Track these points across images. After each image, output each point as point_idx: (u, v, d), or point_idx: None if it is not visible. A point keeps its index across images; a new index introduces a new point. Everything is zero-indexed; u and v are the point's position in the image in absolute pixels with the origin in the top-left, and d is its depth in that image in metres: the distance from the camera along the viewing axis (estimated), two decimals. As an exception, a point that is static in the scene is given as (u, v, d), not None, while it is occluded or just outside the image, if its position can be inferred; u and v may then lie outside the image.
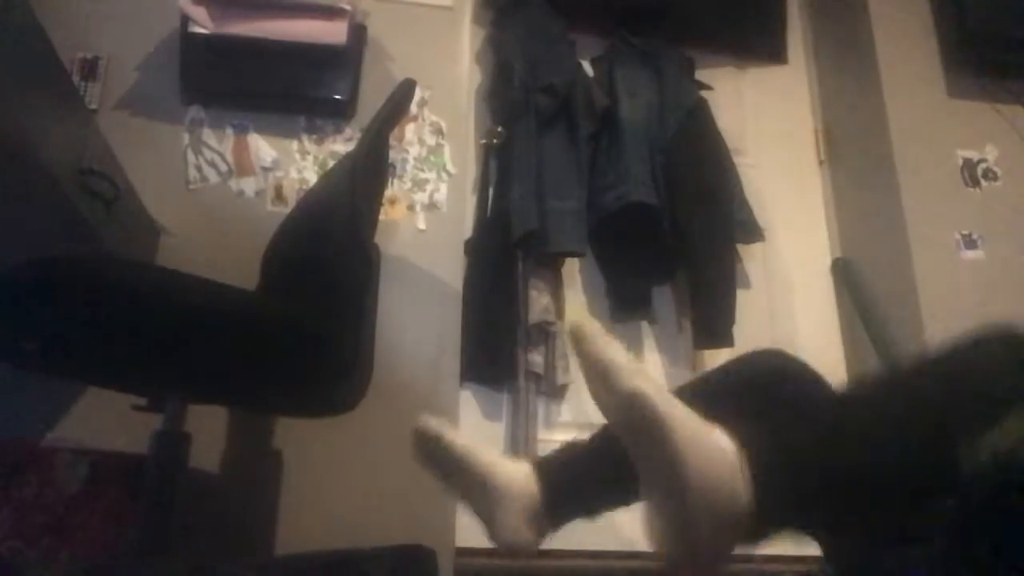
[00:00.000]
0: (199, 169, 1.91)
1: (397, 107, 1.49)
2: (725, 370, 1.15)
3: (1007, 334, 0.98)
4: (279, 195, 1.93)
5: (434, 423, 1.02)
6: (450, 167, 2.05)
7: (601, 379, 0.86)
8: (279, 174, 1.95)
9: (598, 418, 2.24)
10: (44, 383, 1.57)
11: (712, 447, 0.82)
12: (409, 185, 2.01)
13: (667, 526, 0.82)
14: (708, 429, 0.83)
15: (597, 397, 0.90)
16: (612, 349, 0.86)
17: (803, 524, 0.89)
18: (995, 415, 0.87)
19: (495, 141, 2.20)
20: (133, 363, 1.23)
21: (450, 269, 1.96)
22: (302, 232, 1.59)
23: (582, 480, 1.05)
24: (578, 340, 0.89)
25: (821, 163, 2.54)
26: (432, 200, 2.01)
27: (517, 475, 1.02)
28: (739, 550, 0.84)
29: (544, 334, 2.06)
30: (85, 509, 1.49)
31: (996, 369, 0.92)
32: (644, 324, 2.23)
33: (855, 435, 0.88)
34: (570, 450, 1.10)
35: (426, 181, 2.02)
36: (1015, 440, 0.85)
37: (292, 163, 1.96)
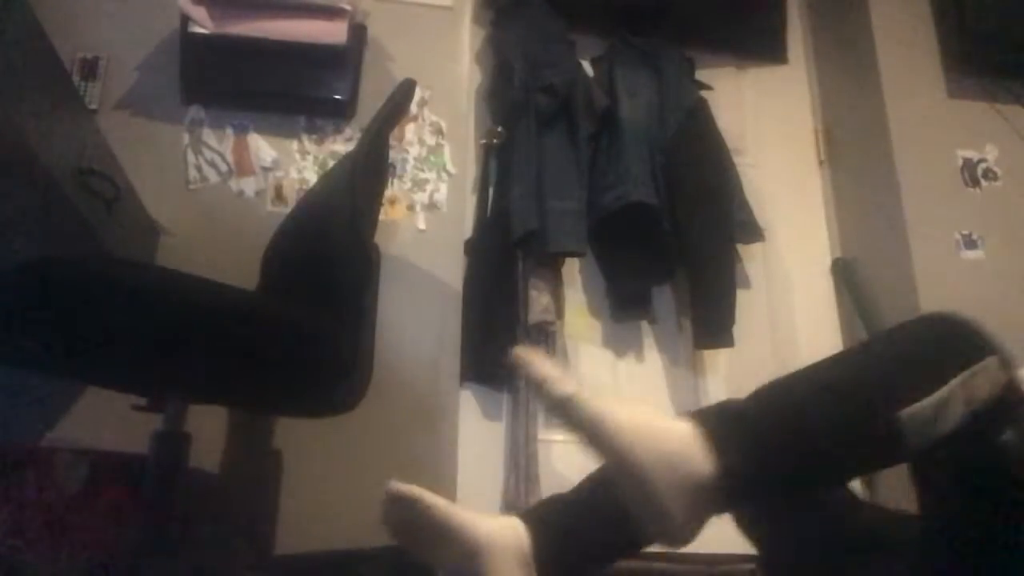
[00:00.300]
0: (199, 169, 1.91)
1: (397, 107, 1.49)
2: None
3: (942, 315, 1.04)
4: (279, 195, 1.93)
5: (407, 487, 0.95)
6: (450, 167, 2.05)
7: (542, 394, 0.94)
8: (279, 174, 1.95)
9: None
10: (44, 383, 1.57)
11: (660, 427, 0.92)
12: (409, 185, 2.01)
13: (640, 509, 0.90)
14: (656, 415, 0.94)
15: (560, 419, 0.97)
16: (548, 367, 0.95)
17: (768, 490, 0.96)
18: (930, 385, 0.93)
19: (495, 141, 2.20)
20: (133, 363, 1.23)
21: (450, 269, 1.97)
22: (302, 232, 1.59)
23: (574, 523, 1.04)
24: (521, 368, 0.96)
25: (821, 163, 2.54)
26: (432, 200, 2.01)
27: (504, 529, 0.99)
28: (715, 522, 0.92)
29: (544, 334, 2.06)
30: (85, 509, 1.49)
31: (932, 344, 0.99)
32: (644, 324, 2.23)
33: (802, 405, 0.95)
34: (557, 499, 1.09)
35: (426, 181, 2.02)
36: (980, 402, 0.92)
37: (292, 163, 1.96)
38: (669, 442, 0.91)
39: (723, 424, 0.95)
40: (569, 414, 0.93)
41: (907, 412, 0.91)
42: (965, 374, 0.94)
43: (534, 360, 0.96)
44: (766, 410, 0.96)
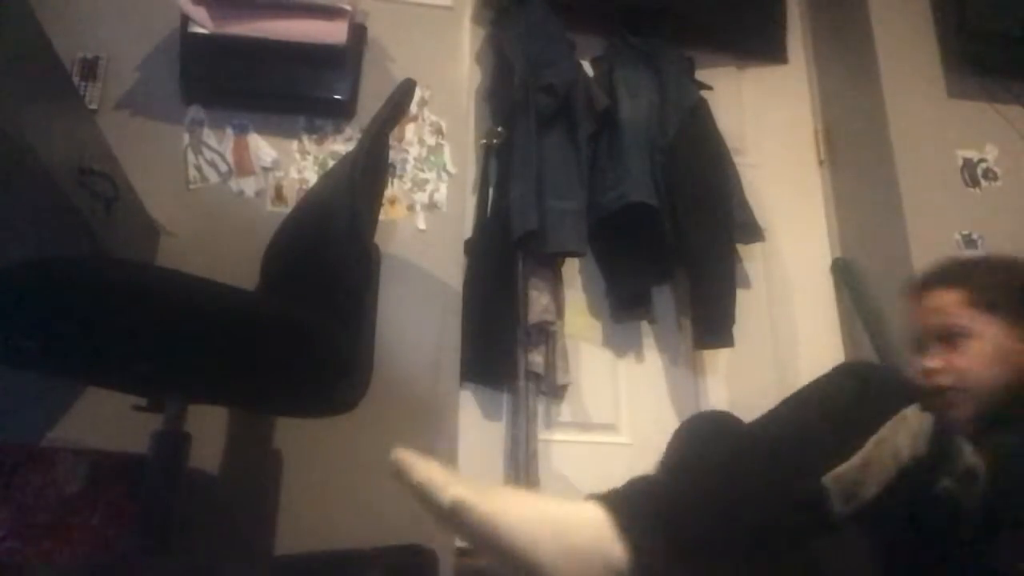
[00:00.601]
0: (199, 169, 1.91)
1: (397, 107, 1.49)
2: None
3: (855, 367, 1.02)
4: (279, 195, 1.93)
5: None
6: (450, 167, 2.05)
7: (424, 505, 0.85)
8: (279, 174, 1.95)
9: (598, 418, 2.25)
10: (44, 383, 1.57)
11: (563, 519, 0.83)
12: (409, 185, 2.01)
13: None
14: (557, 505, 0.85)
15: (449, 529, 0.88)
16: (428, 470, 0.86)
17: (692, 570, 0.89)
18: (852, 445, 0.91)
19: (495, 141, 2.20)
20: (133, 363, 1.23)
21: (450, 269, 1.96)
22: (302, 232, 1.59)
23: None
24: (397, 476, 0.88)
25: (821, 163, 2.54)
26: (432, 200, 2.01)
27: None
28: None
29: (544, 334, 2.06)
30: (85, 509, 1.48)
31: (844, 402, 0.96)
32: (644, 324, 2.23)
33: (720, 477, 0.91)
34: None
35: (426, 181, 2.02)
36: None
37: (292, 163, 1.96)
38: (577, 535, 0.82)
39: (635, 507, 0.87)
40: (457, 522, 0.82)
41: (831, 477, 0.88)
42: (884, 430, 0.91)
43: (412, 463, 0.87)
44: (681, 486, 0.91)
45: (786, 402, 1.00)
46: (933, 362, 1.24)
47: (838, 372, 1.01)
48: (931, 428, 0.93)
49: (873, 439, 0.91)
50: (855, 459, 0.90)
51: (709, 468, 0.93)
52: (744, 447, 0.96)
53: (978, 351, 1.20)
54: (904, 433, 0.92)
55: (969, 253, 1.31)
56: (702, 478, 0.92)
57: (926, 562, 0.98)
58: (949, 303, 1.25)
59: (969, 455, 0.96)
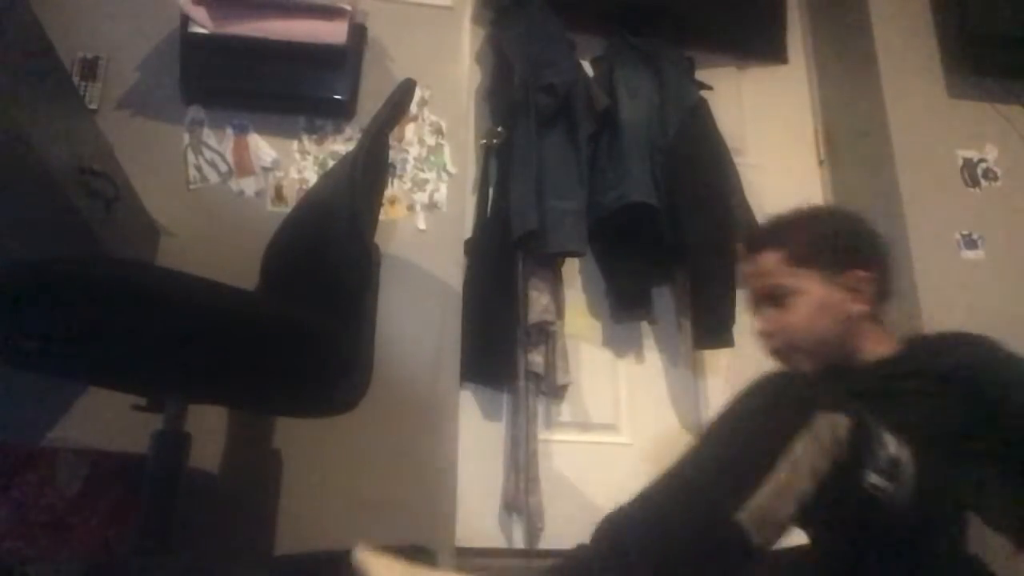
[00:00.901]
0: (199, 169, 1.91)
1: (397, 107, 1.49)
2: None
3: (763, 382, 1.01)
4: (279, 195, 1.93)
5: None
6: (450, 167, 2.05)
7: None
8: (279, 174, 1.95)
9: (598, 418, 2.25)
10: (44, 383, 1.57)
11: None
12: (409, 185, 2.01)
13: None
14: None
15: None
16: (386, 572, 0.89)
17: None
18: (760, 474, 0.91)
19: (495, 141, 2.20)
20: (133, 363, 1.23)
21: (450, 269, 1.96)
22: (302, 232, 1.59)
23: None
24: None
25: (821, 163, 2.54)
26: (432, 200, 2.01)
27: None
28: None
29: (544, 334, 2.06)
30: (85, 509, 1.49)
31: (752, 425, 0.96)
32: (644, 324, 2.23)
33: (647, 536, 0.92)
34: None
35: (426, 181, 2.02)
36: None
37: (292, 163, 1.96)
38: None
39: None
40: None
41: (744, 513, 0.89)
42: (797, 449, 0.91)
43: (371, 567, 0.90)
44: (610, 555, 0.92)
45: (706, 432, 1.01)
46: (763, 325, 1.26)
47: (748, 391, 1.01)
48: (847, 430, 0.94)
49: (787, 462, 0.91)
50: (767, 487, 0.90)
51: (637, 533, 0.93)
52: (660, 502, 0.95)
53: (803, 307, 1.22)
54: (817, 449, 0.92)
55: (793, 212, 1.35)
56: (632, 545, 0.92)
57: (871, 560, 0.98)
58: (771, 264, 1.27)
59: (892, 445, 0.96)
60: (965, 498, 1.02)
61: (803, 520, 0.96)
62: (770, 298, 1.26)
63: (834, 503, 0.93)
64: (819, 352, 1.22)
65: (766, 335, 1.26)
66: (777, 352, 1.25)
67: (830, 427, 0.93)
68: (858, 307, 1.22)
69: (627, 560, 0.90)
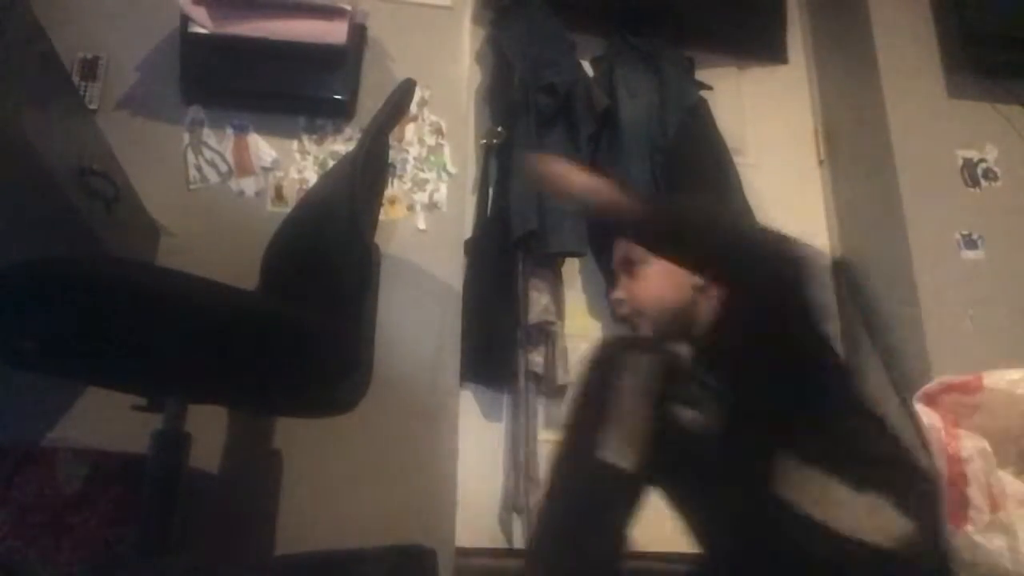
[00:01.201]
0: (199, 169, 1.91)
1: (397, 107, 1.49)
2: None
3: (598, 344, 1.23)
4: (279, 195, 1.93)
5: None
6: (450, 167, 2.05)
7: None
8: (279, 174, 1.95)
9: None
10: (44, 383, 1.57)
11: None
12: (409, 185, 2.01)
13: None
14: None
15: None
16: None
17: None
18: (604, 415, 1.10)
19: (495, 141, 2.20)
20: (133, 363, 1.23)
21: (450, 269, 1.96)
22: (302, 232, 1.59)
23: None
24: None
25: (821, 163, 2.54)
26: (432, 200, 2.01)
27: None
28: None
29: (544, 334, 2.06)
30: (85, 509, 1.49)
31: (587, 383, 1.16)
32: (644, 324, 2.23)
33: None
34: None
35: (426, 181, 2.02)
36: None
37: (292, 163, 1.96)
38: None
39: None
40: None
41: (603, 449, 1.05)
42: (622, 388, 1.09)
43: None
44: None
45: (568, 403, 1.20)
46: (615, 293, 1.39)
47: (588, 357, 1.18)
48: (661, 365, 1.10)
49: (617, 396, 1.07)
50: (610, 422, 1.06)
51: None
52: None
53: (650, 275, 1.33)
54: (637, 382, 1.08)
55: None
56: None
57: (692, 491, 1.13)
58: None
59: (702, 382, 1.11)
60: (777, 436, 1.09)
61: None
62: (625, 268, 1.37)
63: (656, 434, 1.06)
64: (661, 318, 1.32)
65: (617, 301, 1.38)
66: (625, 317, 1.37)
67: (647, 363, 1.09)
68: (697, 280, 1.31)
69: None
